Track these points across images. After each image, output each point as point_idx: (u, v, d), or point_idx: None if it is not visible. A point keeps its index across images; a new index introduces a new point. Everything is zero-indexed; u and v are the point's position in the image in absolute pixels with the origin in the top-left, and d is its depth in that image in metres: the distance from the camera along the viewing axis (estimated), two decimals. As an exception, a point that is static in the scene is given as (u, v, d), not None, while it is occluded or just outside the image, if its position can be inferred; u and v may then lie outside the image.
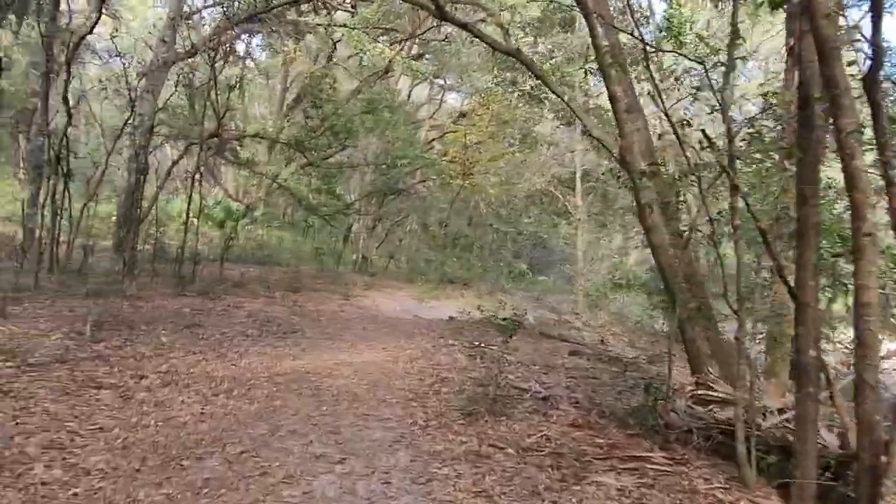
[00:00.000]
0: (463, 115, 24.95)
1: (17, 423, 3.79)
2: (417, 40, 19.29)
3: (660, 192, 6.04)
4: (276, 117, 17.93)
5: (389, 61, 16.06)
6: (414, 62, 17.08)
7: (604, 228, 16.58)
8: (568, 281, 19.20)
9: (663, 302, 13.91)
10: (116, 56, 10.91)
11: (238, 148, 15.30)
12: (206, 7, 16.07)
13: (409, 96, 22.19)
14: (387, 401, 5.19)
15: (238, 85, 11.06)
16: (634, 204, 6.36)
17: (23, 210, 9.80)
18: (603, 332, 11.04)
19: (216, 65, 11.51)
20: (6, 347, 5.51)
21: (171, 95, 12.21)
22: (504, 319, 5.65)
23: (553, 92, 6.87)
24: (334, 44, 19.42)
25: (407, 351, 7.12)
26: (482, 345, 7.19)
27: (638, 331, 12.83)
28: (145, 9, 21.99)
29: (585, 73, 11.20)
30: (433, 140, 19.09)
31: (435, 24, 15.98)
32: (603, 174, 13.28)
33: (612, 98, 6.26)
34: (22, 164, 16.65)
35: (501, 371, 5.61)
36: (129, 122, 11.01)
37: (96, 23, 10.08)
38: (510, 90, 14.64)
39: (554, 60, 13.37)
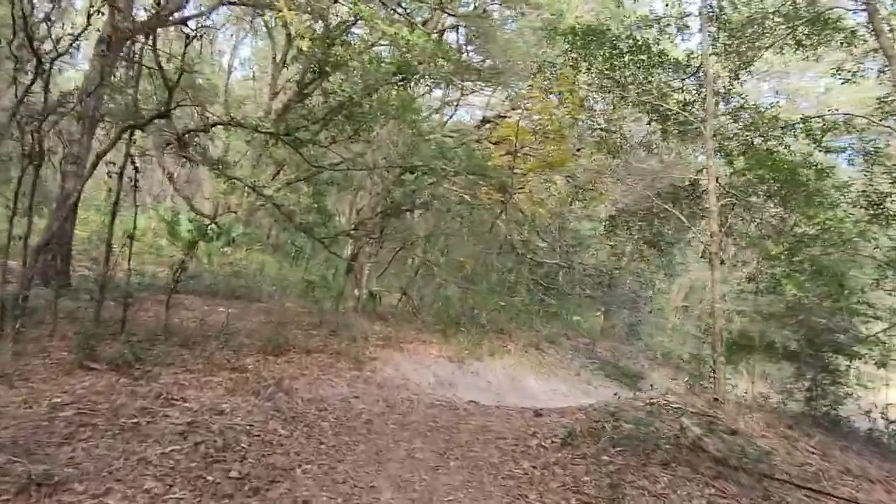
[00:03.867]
0: (487, 121, 20.97)
1: None
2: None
3: None
4: (267, 107, 13.96)
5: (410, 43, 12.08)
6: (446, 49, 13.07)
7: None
8: (631, 330, 15.12)
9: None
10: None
11: (208, 143, 11.30)
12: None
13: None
14: None
15: (196, 37, 7.04)
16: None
17: None
18: (766, 433, 6.98)
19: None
20: None
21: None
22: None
23: None
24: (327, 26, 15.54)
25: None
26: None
27: (789, 421, 8.74)
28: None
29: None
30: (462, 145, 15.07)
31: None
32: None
33: None
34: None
35: None
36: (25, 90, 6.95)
37: None
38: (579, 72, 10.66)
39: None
